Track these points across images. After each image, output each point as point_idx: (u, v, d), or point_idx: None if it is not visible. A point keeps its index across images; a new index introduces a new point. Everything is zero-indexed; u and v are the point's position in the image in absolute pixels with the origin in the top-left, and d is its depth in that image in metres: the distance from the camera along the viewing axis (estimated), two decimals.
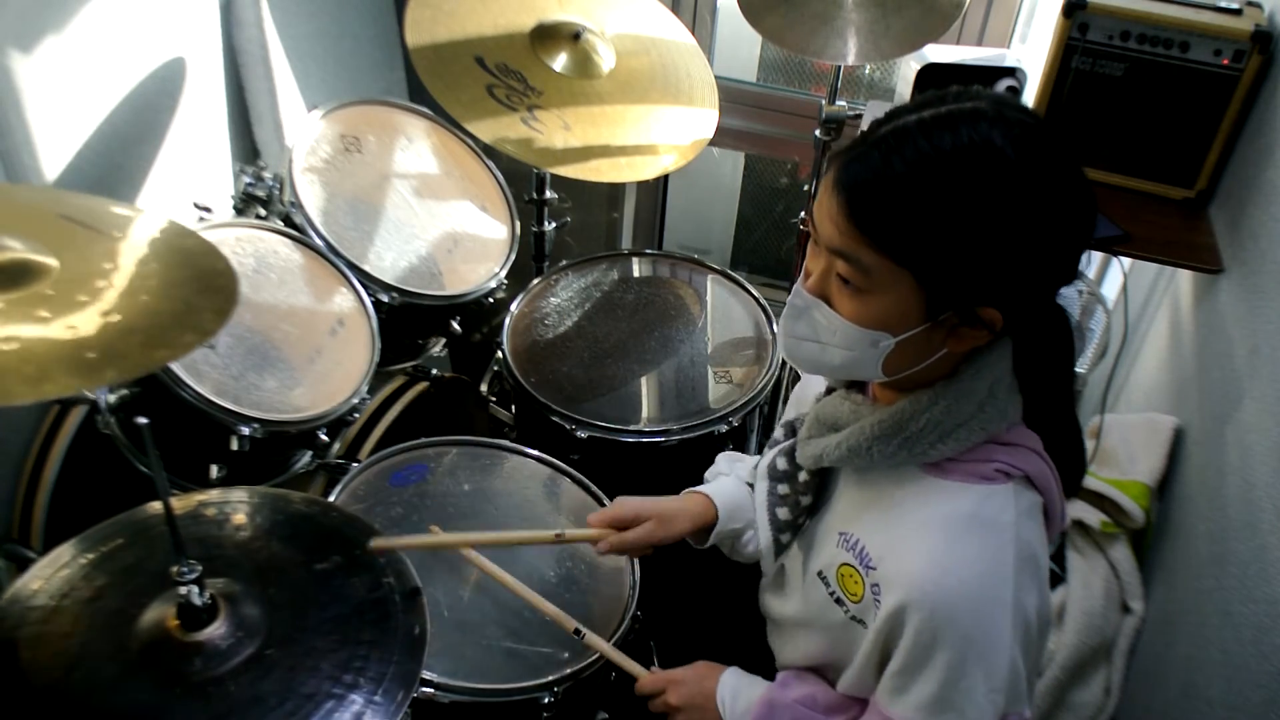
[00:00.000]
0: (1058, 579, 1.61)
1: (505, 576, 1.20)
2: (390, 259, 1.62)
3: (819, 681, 1.05)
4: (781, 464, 1.06)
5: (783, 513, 1.05)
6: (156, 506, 1.08)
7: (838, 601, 0.98)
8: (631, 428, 1.54)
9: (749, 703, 1.04)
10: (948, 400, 0.89)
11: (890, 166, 0.81)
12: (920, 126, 0.81)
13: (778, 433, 1.11)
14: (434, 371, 1.76)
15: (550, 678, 1.17)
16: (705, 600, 1.40)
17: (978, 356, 0.90)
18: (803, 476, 1.04)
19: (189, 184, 1.69)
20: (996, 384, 0.90)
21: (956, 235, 0.81)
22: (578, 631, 1.17)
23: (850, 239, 0.84)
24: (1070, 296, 1.87)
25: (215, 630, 0.94)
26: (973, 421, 0.89)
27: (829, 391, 1.04)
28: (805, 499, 1.04)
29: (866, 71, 2.50)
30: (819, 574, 1.01)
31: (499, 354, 1.66)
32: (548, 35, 1.66)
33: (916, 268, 0.83)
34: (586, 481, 1.46)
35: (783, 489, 1.06)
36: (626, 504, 1.18)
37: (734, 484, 1.23)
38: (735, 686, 1.08)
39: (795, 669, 1.07)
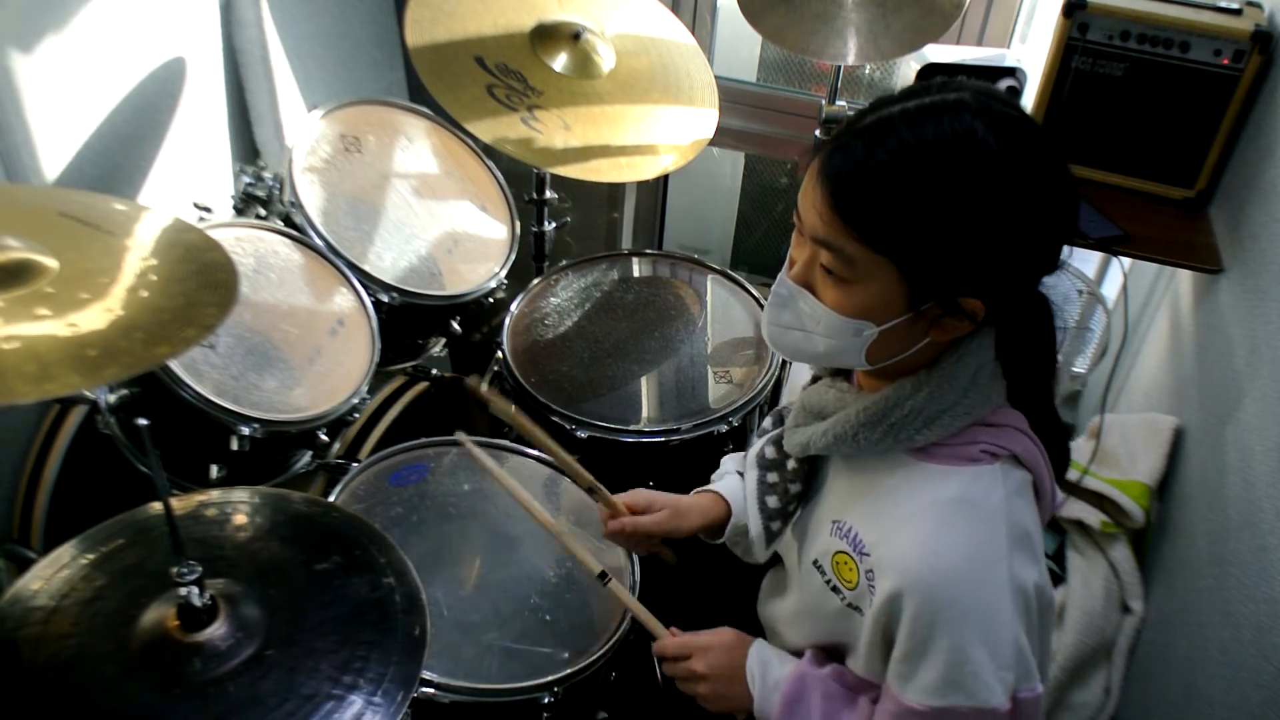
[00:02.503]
0: (1058, 579, 1.61)
1: (542, 514, 1.17)
2: (390, 259, 1.62)
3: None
4: (770, 452, 1.07)
5: (772, 501, 1.06)
6: (157, 507, 1.08)
7: (834, 589, 0.99)
8: (631, 428, 1.54)
9: (779, 677, 1.03)
10: (931, 387, 0.90)
11: (873, 157, 0.82)
12: (904, 117, 0.82)
13: (766, 421, 1.12)
14: (434, 371, 1.76)
15: (550, 678, 1.17)
16: (705, 601, 1.40)
17: (961, 344, 0.91)
18: (791, 464, 1.05)
19: (189, 184, 1.69)
20: (980, 370, 0.91)
21: (939, 226, 0.82)
22: (603, 575, 1.13)
23: (834, 229, 0.85)
24: (1070, 296, 1.88)
25: (215, 631, 0.94)
26: (957, 407, 0.90)
27: (815, 380, 1.05)
28: (794, 487, 1.05)
29: (866, 71, 2.50)
30: (814, 562, 1.01)
31: (499, 354, 1.66)
32: (548, 35, 1.66)
33: (899, 258, 0.84)
34: None
35: (772, 477, 1.06)
36: (641, 493, 1.18)
37: (742, 482, 1.23)
38: (765, 659, 1.06)
39: (817, 650, 1.06)
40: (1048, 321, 0.93)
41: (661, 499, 1.18)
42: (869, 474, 0.97)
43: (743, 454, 1.34)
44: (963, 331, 0.89)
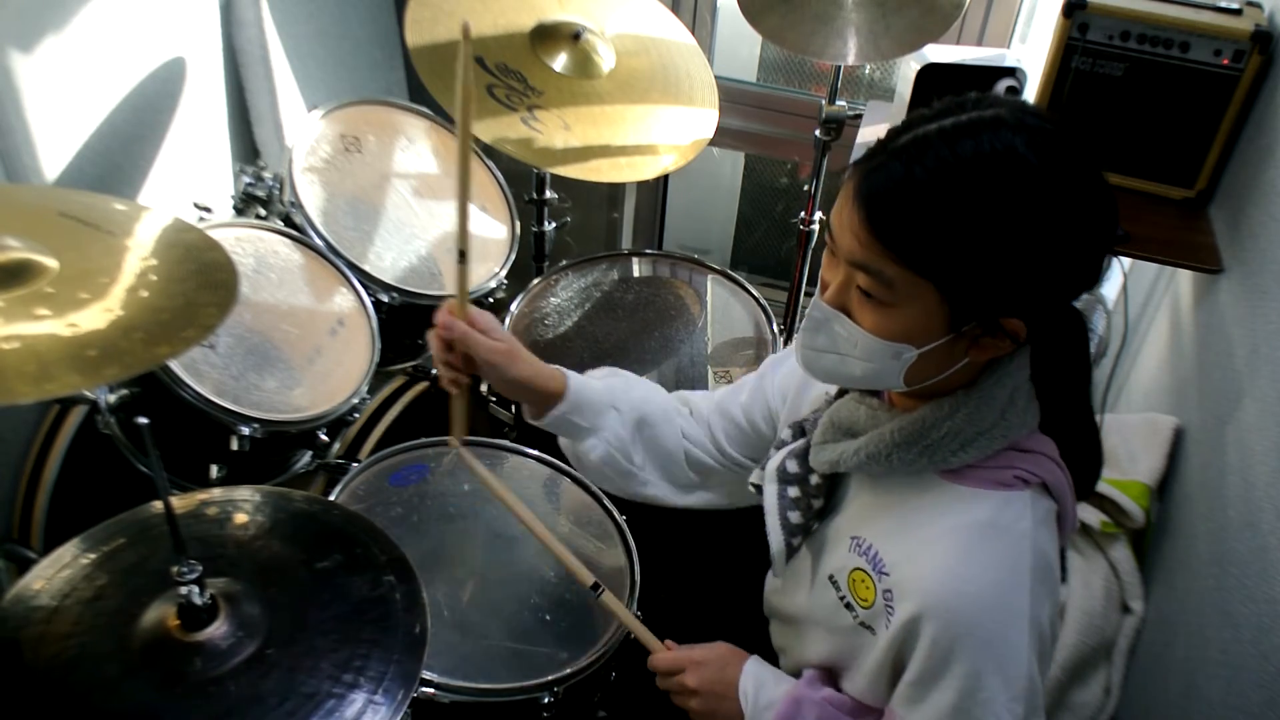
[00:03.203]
0: None
1: (535, 524, 1.15)
2: (390, 259, 1.63)
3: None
4: (792, 467, 1.04)
5: (794, 516, 1.03)
6: (158, 506, 1.08)
7: (847, 606, 0.97)
8: None
9: (773, 698, 1.02)
10: (969, 409, 0.88)
11: (912, 176, 0.80)
12: (941, 135, 0.80)
13: (785, 434, 1.08)
14: (434, 371, 1.76)
15: (550, 677, 1.17)
16: (706, 600, 1.40)
17: (999, 364, 0.89)
18: (814, 480, 1.02)
19: (189, 184, 1.70)
20: (1017, 391, 0.89)
21: (981, 245, 0.80)
22: (596, 586, 1.12)
23: (872, 252, 0.82)
24: None
25: (216, 630, 0.94)
26: (994, 430, 0.89)
27: (839, 394, 1.02)
28: (816, 502, 1.03)
29: (866, 71, 2.51)
30: (829, 577, 1.00)
31: None
32: (548, 35, 1.66)
33: (940, 279, 0.82)
34: (586, 481, 1.45)
35: (793, 492, 1.03)
36: (491, 319, 1.10)
37: (611, 387, 1.17)
38: (759, 678, 1.05)
39: (816, 670, 1.05)
40: (1083, 336, 0.91)
41: (507, 334, 1.10)
42: (895, 492, 0.95)
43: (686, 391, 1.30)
44: (1003, 352, 0.87)
